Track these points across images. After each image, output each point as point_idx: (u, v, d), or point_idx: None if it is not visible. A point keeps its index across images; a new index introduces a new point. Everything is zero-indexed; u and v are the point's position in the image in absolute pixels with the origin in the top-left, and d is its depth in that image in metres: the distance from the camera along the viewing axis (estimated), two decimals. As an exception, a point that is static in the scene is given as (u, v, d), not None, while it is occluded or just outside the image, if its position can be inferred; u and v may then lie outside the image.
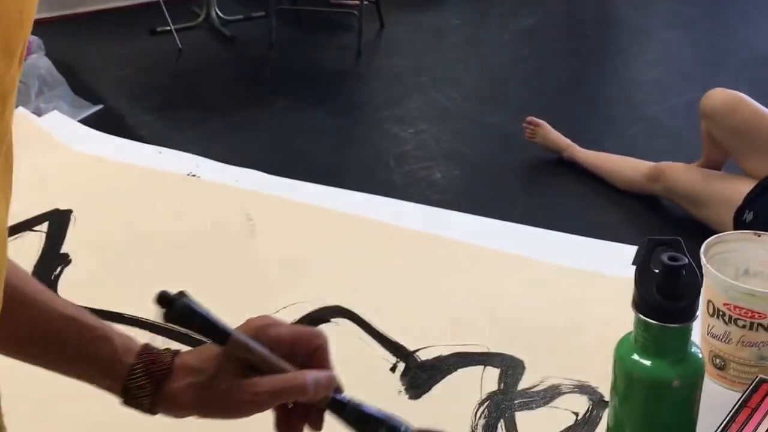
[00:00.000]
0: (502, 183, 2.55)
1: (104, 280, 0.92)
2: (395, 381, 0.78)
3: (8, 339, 0.54)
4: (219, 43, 3.77)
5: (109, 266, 0.95)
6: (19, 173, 1.25)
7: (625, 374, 0.63)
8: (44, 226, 1.00)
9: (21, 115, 1.22)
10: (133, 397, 0.55)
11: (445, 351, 0.81)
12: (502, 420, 0.74)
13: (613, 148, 2.56)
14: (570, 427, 0.73)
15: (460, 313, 0.87)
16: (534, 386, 0.78)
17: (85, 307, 0.58)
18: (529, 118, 2.61)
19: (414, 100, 3.12)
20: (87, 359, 0.55)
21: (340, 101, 3.22)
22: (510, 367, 0.80)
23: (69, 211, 1.03)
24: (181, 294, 0.53)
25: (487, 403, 0.76)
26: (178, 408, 0.55)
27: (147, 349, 0.56)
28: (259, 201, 1.06)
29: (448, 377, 0.79)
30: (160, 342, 0.79)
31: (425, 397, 0.77)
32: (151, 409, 0.55)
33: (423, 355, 0.81)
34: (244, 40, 3.77)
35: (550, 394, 0.77)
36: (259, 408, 0.54)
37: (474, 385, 0.78)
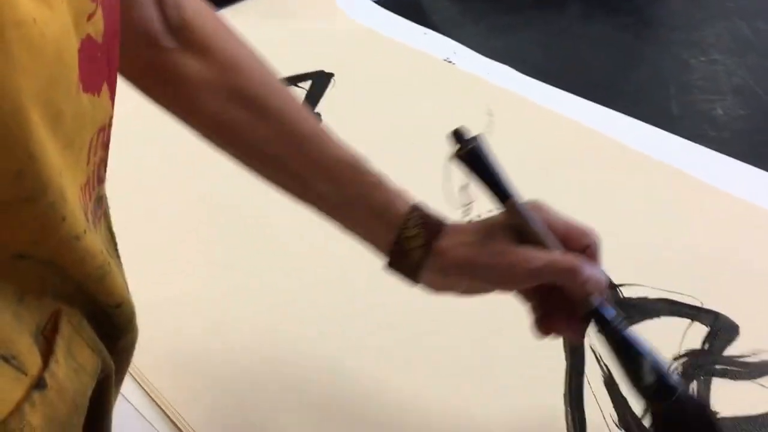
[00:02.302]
0: (792, 134, 2.21)
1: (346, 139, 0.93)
2: (590, 310, 0.71)
3: (284, 174, 0.53)
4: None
5: (353, 126, 0.96)
6: (297, 32, 1.29)
7: None
8: (307, 84, 1.03)
9: (309, -21, 1.25)
10: (403, 250, 0.51)
11: (652, 294, 0.72)
12: (695, 381, 0.65)
13: None
14: (772, 411, 0.62)
15: (681, 258, 0.76)
16: (744, 356, 0.67)
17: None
18: None
19: (714, 27, 2.75)
20: (362, 202, 0.52)
21: (635, 16, 2.92)
22: (722, 329, 0.69)
23: (331, 75, 1.05)
24: (477, 137, 0.50)
25: (683, 359, 0.67)
26: (446, 267, 0.50)
27: (421, 204, 0.53)
28: (505, 98, 1.00)
29: (648, 322, 0.70)
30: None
31: (617, 335, 0.69)
32: (417, 268, 0.51)
33: (626, 292, 0.73)
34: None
35: (761, 369, 0.66)
36: (529, 277, 0.49)
37: (674, 337, 0.68)
